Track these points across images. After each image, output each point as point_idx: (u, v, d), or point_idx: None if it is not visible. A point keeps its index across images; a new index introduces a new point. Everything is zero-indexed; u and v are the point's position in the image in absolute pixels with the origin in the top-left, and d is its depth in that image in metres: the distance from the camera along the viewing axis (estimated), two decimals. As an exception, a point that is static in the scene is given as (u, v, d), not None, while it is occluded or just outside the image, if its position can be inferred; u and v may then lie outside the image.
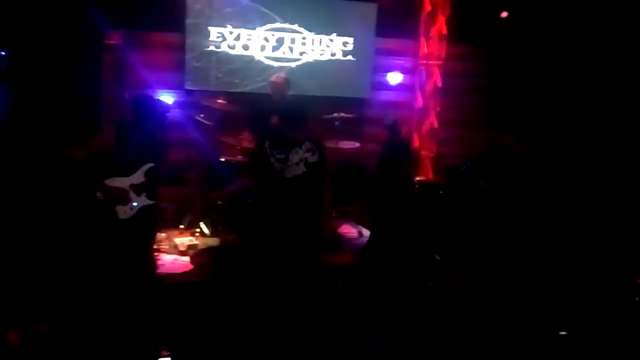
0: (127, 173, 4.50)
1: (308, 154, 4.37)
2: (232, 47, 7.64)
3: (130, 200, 4.48)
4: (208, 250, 5.99)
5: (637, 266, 6.18)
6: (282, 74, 6.81)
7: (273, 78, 6.75)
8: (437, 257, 5.61)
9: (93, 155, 4.52)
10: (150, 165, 4.58)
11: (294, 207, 4.36)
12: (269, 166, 4.30)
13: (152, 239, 4.89)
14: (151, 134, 4.56)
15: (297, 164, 4.32)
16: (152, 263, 4.92)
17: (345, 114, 7.21)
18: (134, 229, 4.52)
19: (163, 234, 6.22)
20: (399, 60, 8.64)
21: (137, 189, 4.52)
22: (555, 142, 5.32)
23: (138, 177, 4.53)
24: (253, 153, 4.50)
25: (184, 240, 6.13)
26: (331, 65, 8.07)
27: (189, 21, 7.42)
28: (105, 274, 4.69)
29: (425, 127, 8.74)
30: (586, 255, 6.41)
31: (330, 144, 7.11)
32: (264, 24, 7.71)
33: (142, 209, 4.56)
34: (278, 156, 4.30)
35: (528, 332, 5.15)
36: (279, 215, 4.36)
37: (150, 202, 4.61)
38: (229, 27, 7.58)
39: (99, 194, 4.43)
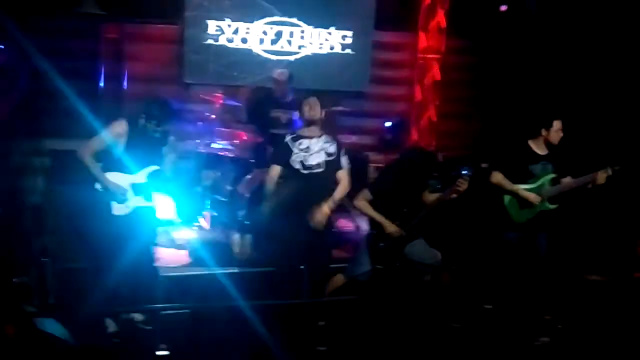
0: (131, 171, 4.50)
1: (327, 145, 4.65)
2: (231, 41, 7.62)
3: (127, 199, 4.47)
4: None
5: (635, 261, 6.19)
6: (286, 70, 6.76)
7: (276, 75, 6.66)
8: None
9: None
10: (154, 167, 4.57)
11: (315, 193, 4.58)
12: (291, 157, 4.54)
13: (148, 239, 4.83)
14: (161, 138, 4.55)
15: (318, 152, 4.58)
16: (148, 261, 4.90)
17: (344, 107, 7.20)
18: (127, 227, 4.50)
19: (161, 228, 6.22)
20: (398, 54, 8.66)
21: (136, 188, 4.51)
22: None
23: (140, 177, 4.52)
24: (276, 148, 4.77)
25: (182, 234, 6.14)
26: (330, 58, 8.06)
27: (187, 14, 7.40)
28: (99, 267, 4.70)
29: (424, 121, 8.74)
30: (584, 249, 6.42)
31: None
32: (263, 17, 7.69)
33: (138, 210, 4.54)
34: (300, 147, 4.56)
35: (525, 326, 5.17)
36: (300, 201, 4.55)
37: (147, 204, 4.59)
38: (228, 20, 7.57)
39: (98, 186, 4.43)
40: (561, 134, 5.06)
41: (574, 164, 5.20)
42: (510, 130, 7.80)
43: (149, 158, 4.54)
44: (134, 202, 4.51)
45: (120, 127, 4.42)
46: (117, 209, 4.47)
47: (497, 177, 5.12)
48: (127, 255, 4.50)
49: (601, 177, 4.92)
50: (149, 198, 4.59)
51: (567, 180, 5.12)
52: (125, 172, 4.47)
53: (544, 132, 5.08)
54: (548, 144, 5.10)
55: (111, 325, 4.62)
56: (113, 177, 4.45)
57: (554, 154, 5.12)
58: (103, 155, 4.46)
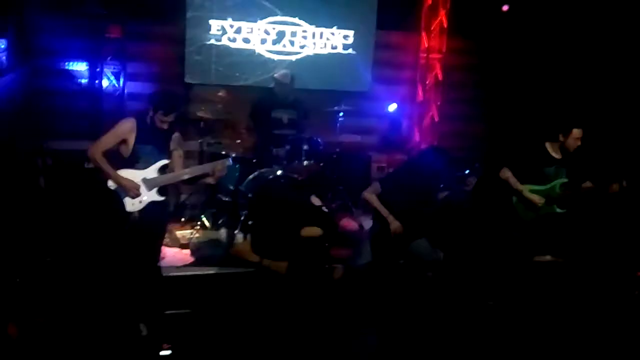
0: (141, 166, 4.50)
1: None
2: (233, 40, 7.63)
3: (140, 194, 4.48)
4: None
5: (637, 260, 6.17)
6: (288, 71, 6.75)
7: (278, 76, 6.64)
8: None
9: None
10: (165, 162, 4.57)
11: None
12: None
13: (159, 235, 4.84)
14: (168, 130, 4.54)
15: None
16: (157, 258, 4.89)
17: (346, 107, 7.19)
18: (141, 222, 4.50)
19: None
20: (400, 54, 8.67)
21: (149, 184, 4.51)
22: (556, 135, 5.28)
23: (151, 172, 4.52)
24: None
25: (185, 233, 6.13)
26: (332, 58, 8.06)
27: (189, 14, 7.41)
28: (109, 266, 4.70)
29: (426, 121, 8.75)
30: (587, 248, 6.40)
31: (331, 137, 7.13)
32: (265, 17, 7.70)
33: (151, 204, 4.54)
34: None
35: (527, 323, 5.16)
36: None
37: (160, 199, 4.60)
38: (230, 20, 7.57)
39: (110, 184, 4.44)
40: (579, 143, 5.02)
41: (588, 171, 5.17)
42: (517, 131, 7.82)
43: (158, 153, 4.54)
44: (147, 197, 4.52)
45: (130, 124, 4.43)
46: (131, 205, 4.48)
47: (506, 174, 5.10)
48: (138, 252, 4.51)
49: (614, 187, 4.91)
50: (162, 192, 4.59)
51: (585, 185, 5.07)
52: (136, 168, 4.48)
53: (561, 137, 5.06)
54: (563, 149, 5.08)
55: (144, 330, 4.61)
56: (124, 174, 4.45)
57: (568, 159, 5.10)
58: (112, 153, 4.45)
